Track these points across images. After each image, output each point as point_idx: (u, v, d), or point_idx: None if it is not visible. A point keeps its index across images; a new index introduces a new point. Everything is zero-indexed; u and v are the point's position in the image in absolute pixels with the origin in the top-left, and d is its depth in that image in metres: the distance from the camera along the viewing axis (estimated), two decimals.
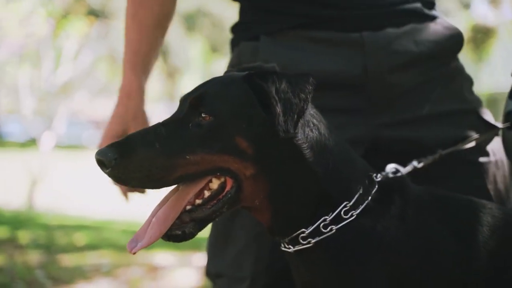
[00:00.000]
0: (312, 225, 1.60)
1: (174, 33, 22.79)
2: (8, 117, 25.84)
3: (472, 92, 2.10)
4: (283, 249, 1.66)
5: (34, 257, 6.60)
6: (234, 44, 2.13)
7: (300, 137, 1.57)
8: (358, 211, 1.61)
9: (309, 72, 1.59)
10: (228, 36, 2.21)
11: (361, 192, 1.63)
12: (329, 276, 1.62)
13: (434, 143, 1.94)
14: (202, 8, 24.05)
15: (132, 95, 2.11)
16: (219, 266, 2.06)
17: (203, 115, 1.53)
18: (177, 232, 1.54)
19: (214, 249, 2.08)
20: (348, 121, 1.93)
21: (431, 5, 2.10)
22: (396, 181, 1.71)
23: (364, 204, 1.62)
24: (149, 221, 1.55)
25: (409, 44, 1.99)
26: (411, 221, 1.63)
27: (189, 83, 23.08)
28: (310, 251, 1.62)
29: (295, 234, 1.61)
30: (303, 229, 1.61)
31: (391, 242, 1.60)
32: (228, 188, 1.55)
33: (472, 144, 1.98)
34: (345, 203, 1.61)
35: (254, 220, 1.70)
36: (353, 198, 1.62)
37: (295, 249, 1.62)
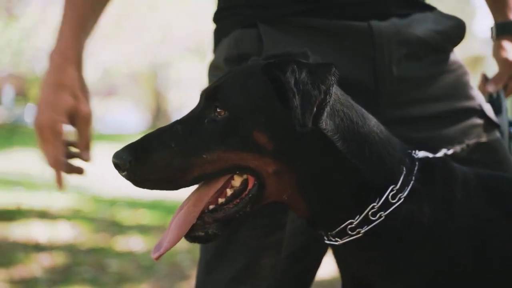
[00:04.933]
0: (360, 215, 1.49)
1: None
2: (177, 112, 26.99)
3: (473, 87, 1.91)
4: (327, 242, 1.56)
5: (181, 243, 6.86)
6: (222, 33, 1.88)
7: (329, 128, 1.45)
8: (405, 193, 1.50)
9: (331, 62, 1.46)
10: None
11: (405, 172, 1.52)
12: (380, 266, 1.52)
13: (438, 144, 1.76)
14: None
15: (75, 63, 1.86)
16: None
17: (218, 110, 1.44)
18: (199, 234, 1.47)
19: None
20: None
21: None
22: (439, 160, 1.57)
23: (410, 185, 1.50)
24: (170, 226, 1.49)
25: (417, 33, 1.82)
26: (460, 202, 1.50)
27: None
28: (359, 242, 1.51)
29: (342, 226, 1.51)
30: (351, 220, 1.50)
31: (441, 226, 1.48)
32: (250, 186, 1.47)
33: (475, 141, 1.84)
34: (391, 187, 1.50)
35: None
36: (398, 180, 1.51)
37: (343, 241, 1.52)
